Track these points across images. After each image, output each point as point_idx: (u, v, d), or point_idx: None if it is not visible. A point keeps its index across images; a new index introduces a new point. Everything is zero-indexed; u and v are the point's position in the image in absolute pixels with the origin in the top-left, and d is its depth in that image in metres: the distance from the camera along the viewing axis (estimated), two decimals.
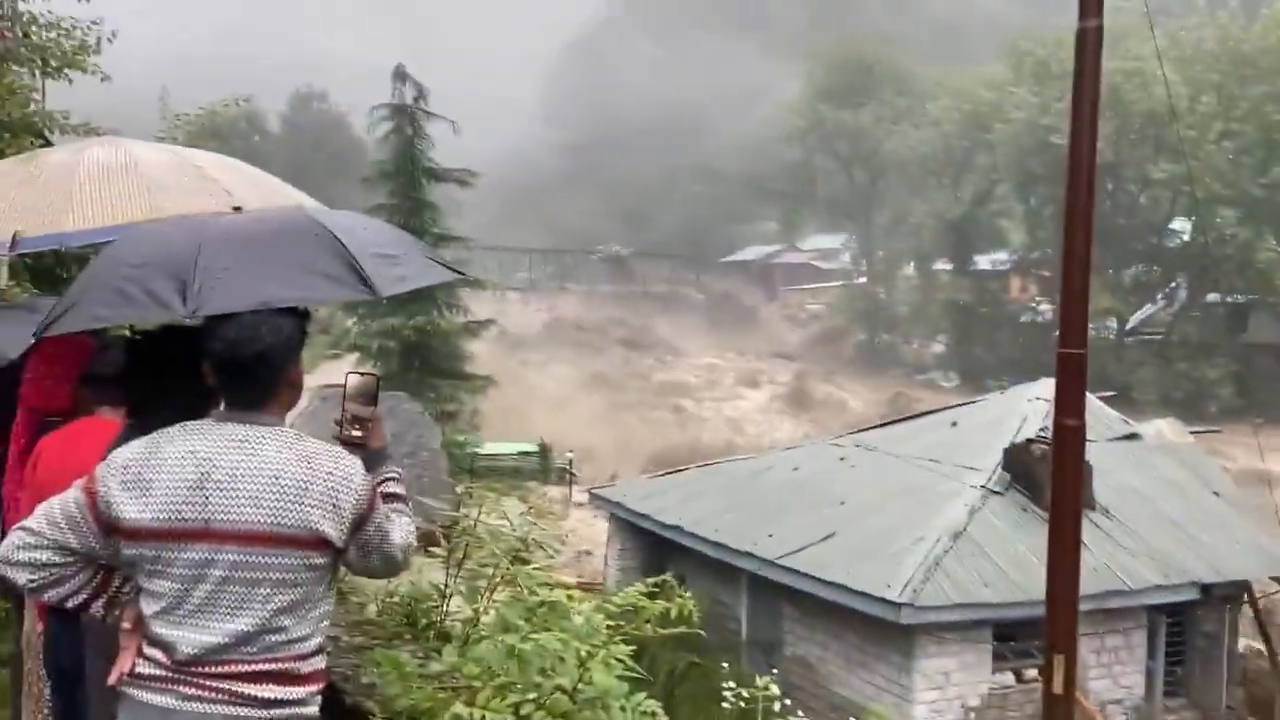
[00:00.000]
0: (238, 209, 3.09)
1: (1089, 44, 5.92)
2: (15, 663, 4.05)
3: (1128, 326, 52.94)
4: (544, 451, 28.96)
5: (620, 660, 2.65)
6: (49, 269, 6.69)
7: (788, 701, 3.32)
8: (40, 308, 3.25)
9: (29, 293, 6.28)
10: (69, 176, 3.43)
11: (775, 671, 3.56)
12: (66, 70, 7.85)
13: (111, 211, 3.25)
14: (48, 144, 7.31)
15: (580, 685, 2.59)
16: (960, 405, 19.08)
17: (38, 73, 7.81)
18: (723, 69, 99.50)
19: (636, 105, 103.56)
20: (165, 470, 2.22)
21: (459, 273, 3.20)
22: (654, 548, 16.47)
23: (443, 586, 3.73)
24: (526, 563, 3.63)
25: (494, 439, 27.76)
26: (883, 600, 12.11)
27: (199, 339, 2.57)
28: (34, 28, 7.83)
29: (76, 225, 3.14)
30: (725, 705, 3.14)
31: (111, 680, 2.29)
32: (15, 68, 7.51)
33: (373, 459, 2.53)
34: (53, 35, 7.78)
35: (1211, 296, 51.59)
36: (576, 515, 25.18)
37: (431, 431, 21.48)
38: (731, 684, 3.06)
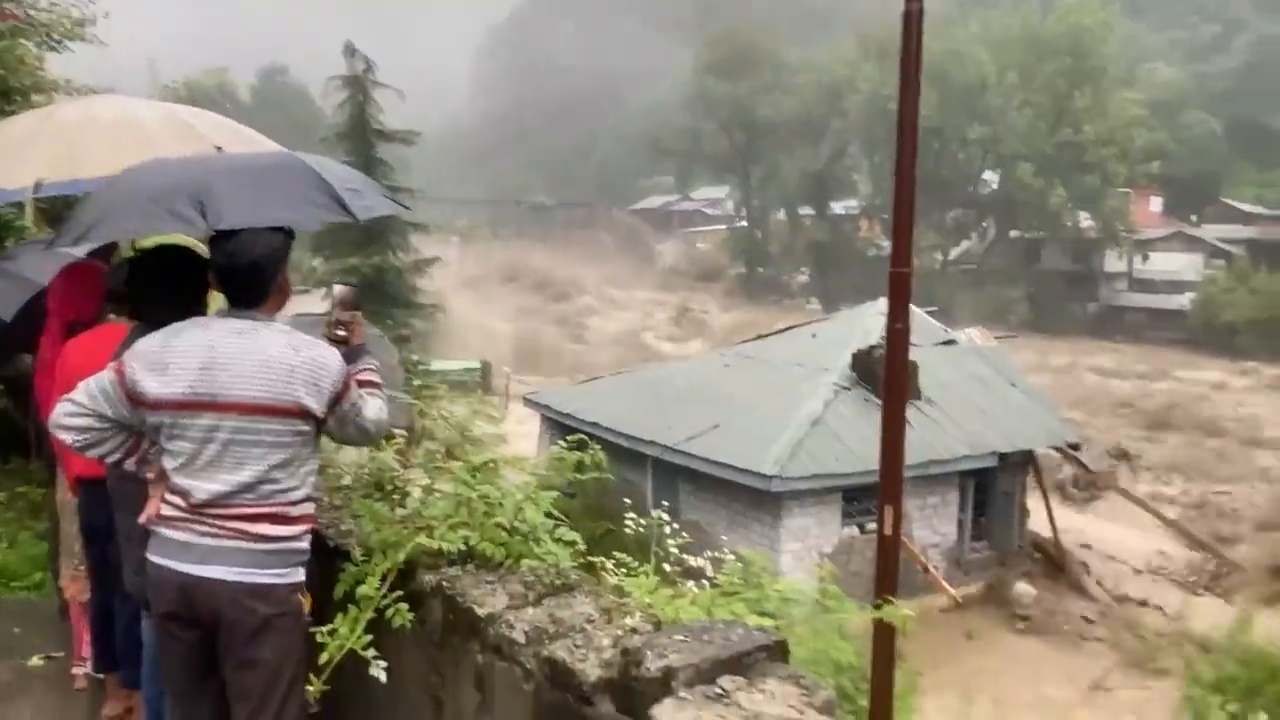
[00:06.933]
0: (219, 148, 3.06)
1: (912, 24, 6.01)
2: (52, 529, 4.06)
3: (949, 258, 54.46)
4: (485, 369, 28.57)
5: (546, 504, 2.79)
6: (59, 215, 6.49)
7: (675, 525, 3.50)
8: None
9: (48, 234, 6.10)
10: (80, 130, 3.38)
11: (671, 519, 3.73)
12: (66, 40, 7.67)
13: (118, 160, 3.12)
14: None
15: (516, 521, 2.73)
16: (818, 321, 19.53)
17: (41, 44, 7.52)
18: (629, 47, 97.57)
19: (557, 78, 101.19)
20: (179, 355, 2.26)
21: (406, 207, 3.34)
22: (577, 443, 16.77)
23: (404, 459, 3.79)
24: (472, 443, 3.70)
25: (441, 359, 26.92)
26: (757, 474, 12.56)
27: (189, 256, 2.63)
28: (34, 9, 7.67)
29: (90, 173, 3.09)
30: (627, 531, 3.28)
31: (142, 520, 2.34)
32: (23, 41, 7.27)
33: (354, 353, 2.59)
34: (53, 14, 7.65)
35: (1013, 233, 53.36)
36: (512, 418, 25.40)
37: (389, 351, 21.08)
38: (631, 514, 3.20)
